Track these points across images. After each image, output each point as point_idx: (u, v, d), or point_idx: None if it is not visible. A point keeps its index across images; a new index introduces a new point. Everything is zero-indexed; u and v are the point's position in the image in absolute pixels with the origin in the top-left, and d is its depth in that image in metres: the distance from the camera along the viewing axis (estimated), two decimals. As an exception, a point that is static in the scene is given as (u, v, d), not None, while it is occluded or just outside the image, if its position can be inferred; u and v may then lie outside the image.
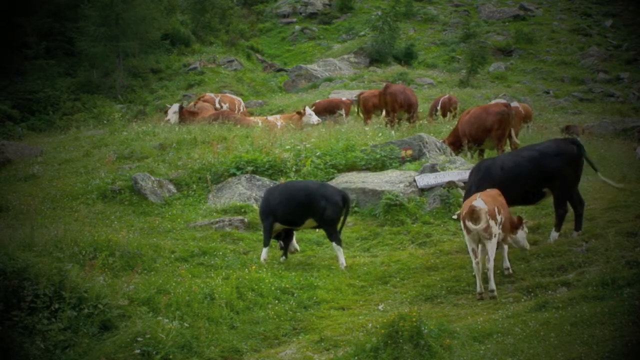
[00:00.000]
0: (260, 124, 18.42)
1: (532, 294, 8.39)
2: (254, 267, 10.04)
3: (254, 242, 11.60)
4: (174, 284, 8.75)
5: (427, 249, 10.98)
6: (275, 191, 11.01)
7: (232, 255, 10.82)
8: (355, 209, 12.79)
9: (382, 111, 20.30)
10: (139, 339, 7.15)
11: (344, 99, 24.57)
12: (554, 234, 10.09)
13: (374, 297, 9.30)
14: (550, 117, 26.51)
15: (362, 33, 42.39)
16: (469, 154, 15.17)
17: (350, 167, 14.32)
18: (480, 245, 8.68)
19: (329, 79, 34.45)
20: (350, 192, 12.54)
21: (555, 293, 8.17)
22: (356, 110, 22.52)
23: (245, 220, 12.53)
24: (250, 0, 48.80)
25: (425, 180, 13.00)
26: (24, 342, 6.79)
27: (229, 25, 42.65)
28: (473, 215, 8.49)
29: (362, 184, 13.15)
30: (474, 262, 8.67)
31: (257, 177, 14.07)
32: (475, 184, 10.01)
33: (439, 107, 21.60)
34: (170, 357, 7.19)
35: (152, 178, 14.10)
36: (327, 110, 22.69)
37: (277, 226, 10.79)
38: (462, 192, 12.34)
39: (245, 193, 13.57)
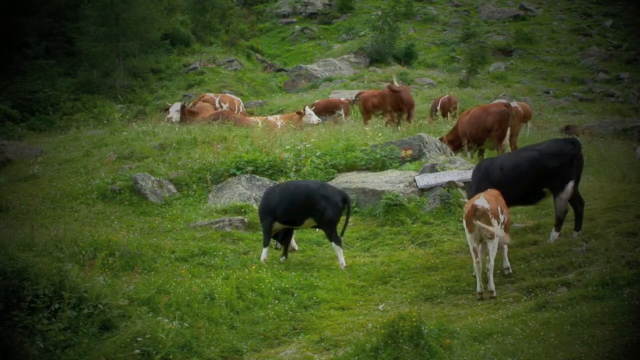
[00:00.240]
0: (260, 124, 18.42)
1: (532, 294, 8.39)
2: (254, 267, 10.04)
3: (254, 242, 11.60)
4: (174, 284, 8.75)
5: (427, 249, 10.98)
6: (275, 191, 11.02)
7: (232, 255, 10.82)
8: (355, 209, 12.79)
9: (382, 111, 20.36)
10: (139, 339, 7.15)
11: (342, 99, 24.58)
12: (554, 234, 10.09)
13: (374, 297, 9.30)
14: (550, 117, 26.50)
15: (362, 33, 42.37)
16: (468, 154, 15.18)
17: (350, 167, 14.32)
18: (480, 245, 8.69)
19: (329, 79, 34.44)
20: (350, 192, 12.54)
21: (555, 293, 8.17)
22: (357, 109, 22.56)
23: (245, 220, 12.53)
24: (250, 0, 48.79)
25: (425, 180, 13.00)
26: (24, 342, 6.79)
27: (229, 25, 42.65)
28: (476, 214, 8.50)
29: (362, 184, 13.15)
30: (474, 261, 8.67)
31: (257, 177, 14.07)
32: (475, 184, 10.02)
33: (438, 107, 21.61)
34: (170, 357, 7.19)
35: (152, 178, 14.11)
36: (326, 111, 22.68)
37: (277, 225, 10.80)
38: (462, 192, 12.35)
39: (245, 193, 13.57)
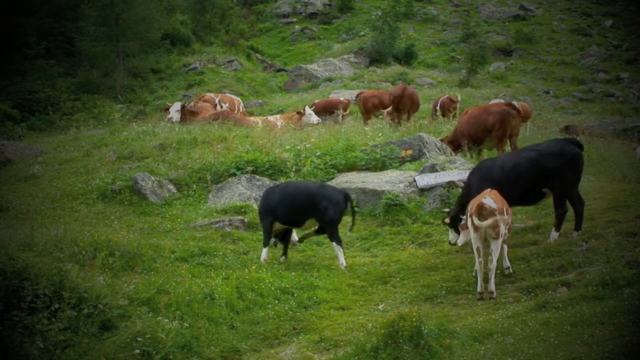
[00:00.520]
0: (260, 124, 18.43)
1: (532, 294, 8.39)
2: (254, 267, 10.04)
3: (254, 242, 11.60)
4: (174, 284, 8.75)
5: (427, 249, 10.98)
6: (275, 191, 11.01)
7: (232, 255, 10.82)
8: (355, 209, 12.75)
9: (382, 111, 20.39)
10: (139, 339, 7.14)
11: (342, 99, 24.60)
12: (554, 234, 10.09)
13: (374, 297, 9.30)
14: (550, 117, 26.51)
15: (362, 33, 42.38)
16: (468, 154, 15.17)
17: (350, 167, 14.32)
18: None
19: (329, 79, 34.45)
20: (351, 192, 12.49)
21: (555, 293, 8.17)
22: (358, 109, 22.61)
23: (245, 220, 12.53)
24: (250, 0, 48.79)
25: (425, 180, 12.99)
26: (24, 342, 6.78)
27: (229, 25, 42.66)
28: (482, 212, 8.50)
29: (362, 184, 13.15)
30: (477, 261, 8.67)
31: (257, 177, 14.07)
32: (476, 184, 10.00)
33: (438, 107, 21.63)
34: (170, 357, 7.19)
35: (152, 178, 14.11)
36: (325, 110, 22.72)
37: (277, 226, 10.80)
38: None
39: (245, 193, 13.57)
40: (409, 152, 14.59)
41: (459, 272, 9.60)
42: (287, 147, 15.05)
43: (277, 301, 9.05)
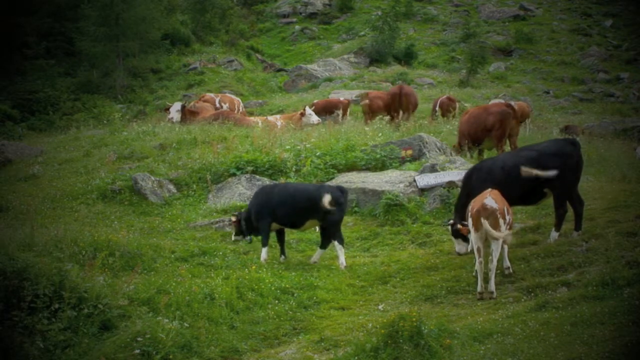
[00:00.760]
0: (260, 124, 18.43)
1: (532, 294, 8.39)
2: (254, 267, 10.04)
3: (254, 242, 11.59)
4: (174, 284, 8.75)
5: (427, 249, 10.98)
6: (273, 192, 10.97)
7: (232, 255, 10.83)
8: (355, 209, 12.80)
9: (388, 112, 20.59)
10: (139, 339, 7.14)
11: (341, 99, 24.59)
12: (554, 234, 10.09)
13: (374, 297, 9.30)
14: (550, 117, 26.50)
15: (362, 33, 42.38)
16: (468, 154, 15.17)
17: (350, 167, 14.32)
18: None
19: (329, 79, 34.44)
20: (350, 192, 12.53)
21: (555, 293, 8.17)
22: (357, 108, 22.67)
23: (245, 220, 12.52)
24: (250, 0, 48.79)
25: (425, 180, 12.99)
26: (24, 342, 6.78)
27: (229, 25, 42.65)
28: (485, 213, 8.50)
29: (362, 184, 13.15)
30: (477, 260, 8.67)
31: (257, 177, 14.08)
32: (478, 184, 9.98)
33: (437, 107, 21.64)
34: (170, 357, 7.19)
35: (152, 178, 14.11)
36: (325, 110, 22.70)
37: (275, 226, 10.82)
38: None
39: (245, 193, 13.57)
40: (409, 152, 14.60)
41: (459, 272, 9.60)
42: (287, 147, 15.06)
43: (277, 301, 9.05)
